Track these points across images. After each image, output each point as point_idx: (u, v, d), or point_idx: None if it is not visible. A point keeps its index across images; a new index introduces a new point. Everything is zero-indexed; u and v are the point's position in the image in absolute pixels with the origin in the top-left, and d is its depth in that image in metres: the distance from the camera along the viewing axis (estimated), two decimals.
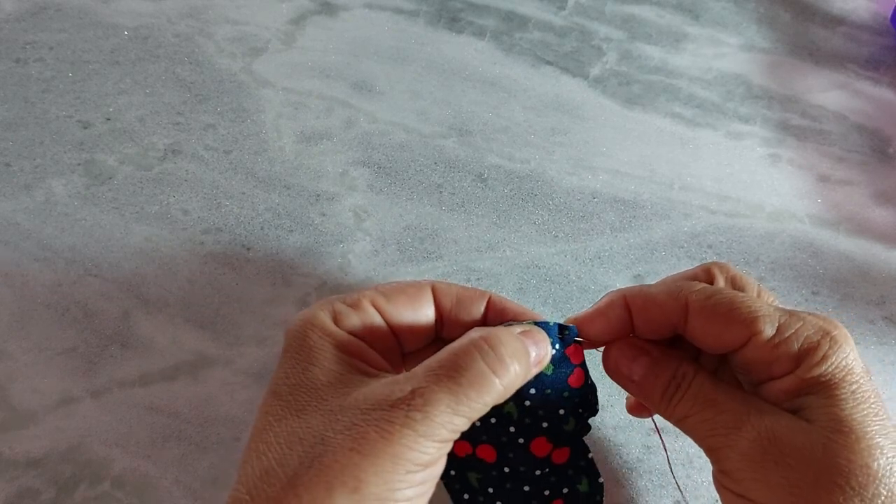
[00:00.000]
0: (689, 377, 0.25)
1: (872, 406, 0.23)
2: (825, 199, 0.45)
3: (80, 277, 0.38)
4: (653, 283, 0.28)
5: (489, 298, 0.27)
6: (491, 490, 0.27)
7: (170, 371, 0.36)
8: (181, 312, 0.37)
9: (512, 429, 0.26)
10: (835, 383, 0.23)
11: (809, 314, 0.25)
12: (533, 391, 0.26)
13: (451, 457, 0.27)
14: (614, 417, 0.36)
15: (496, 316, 0.27)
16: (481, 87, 0.48)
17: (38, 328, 0.36)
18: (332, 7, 0.51)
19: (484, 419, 0.26)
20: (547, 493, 0.28)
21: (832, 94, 0.50)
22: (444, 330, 0.27)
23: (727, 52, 0.52)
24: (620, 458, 0.35)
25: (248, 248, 0.40)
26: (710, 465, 0.35)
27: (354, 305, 0.25)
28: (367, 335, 0.25)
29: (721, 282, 0.27)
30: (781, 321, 0.24)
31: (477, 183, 0.44)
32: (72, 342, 0.36)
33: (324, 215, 0.41)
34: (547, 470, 0.27)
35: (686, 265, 0.41)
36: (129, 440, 0.34)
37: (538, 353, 0.25)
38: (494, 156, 0.45)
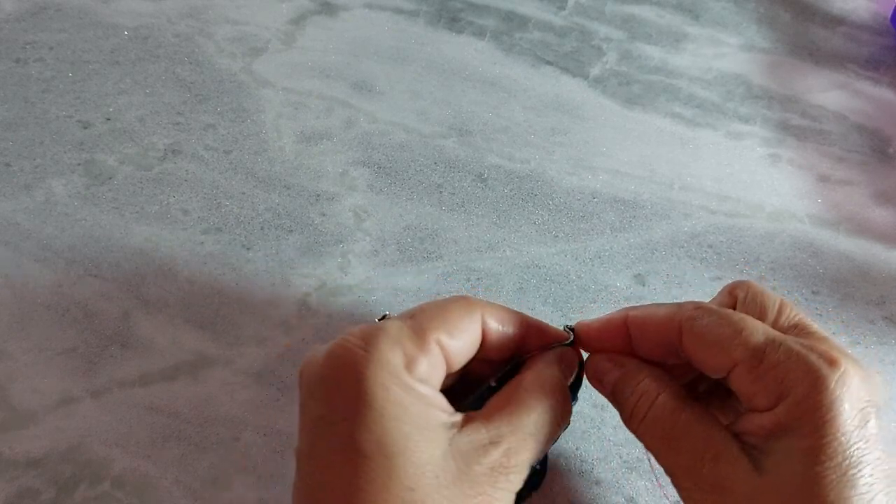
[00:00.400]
0: (651, 397, 0.24)
1: (848, 468, 0.20)
2: (825, 199, 0.45)
3: (80, 277, 0.38)
4: (655, 299, 0.28)
5: (528, 324, 0.28)
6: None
7: (170, 371, 0.36)
8: (181, 312, 0.37)
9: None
10: (809, 432, 0.20)
11: (816, 342, 0.22)
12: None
13: None
14: (614, 417, 0.36)
15: (531, 336, 0.27)
16: (481, 87, 0.48)
17: (38, 328, 0.36)
18: (332, 7, 0.51)
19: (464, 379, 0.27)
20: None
21: (832, 94, 0.50)
22: (481, 352, 0.26)
23: (727, 52, 0.52)
24: (620, 458, 0.35)
25: (248, 248, 0.40)
26: None
27: (423, 347, 0.23)
28: (432, 381, 0.23)
29: (736, 300, 0.26)
30: (768, 352, 0.22)
31: (477, 183, 0.44)
32: (72, 342, 0.36)
33: (324, 215, 0.41)
34: None
35: (686, 265, 0.41)
36: (129, 440, 0.34)
37: (570, 380, 0.26)
38: (494, 156, 0.45)
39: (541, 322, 0.28)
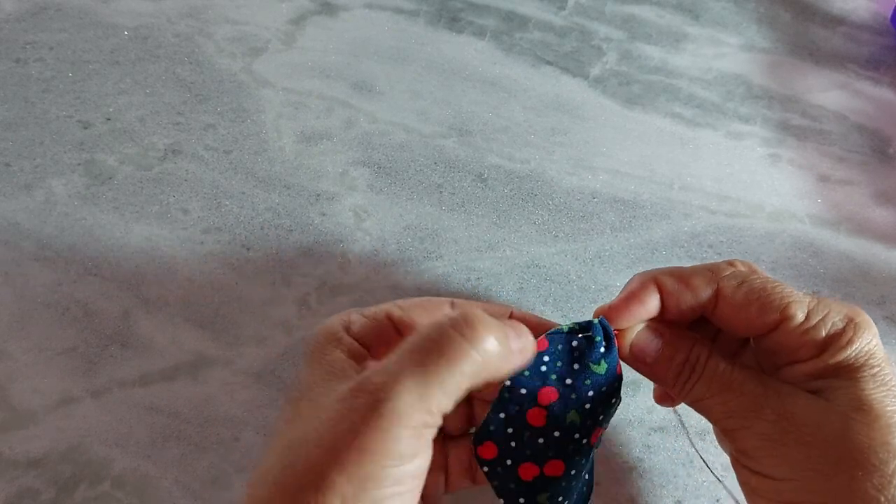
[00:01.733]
0: (703, 360, 0.26)
1: (892, 388, 0.23)
2: (825, 199, 0.45)
3: (80, 277, 0.38)
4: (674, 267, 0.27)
5: (511, 313, 0.28)
6: (560, 499, 0.27)
7: (170, 371, 0.36)
8: (181, 312, 0.37)
9: (577, 435, 0.26)
10: (857, 367, 0.24)
11: (834, 301, 0.25)
12: (591, 394, 0.26)
13: (518, 483, 0.26)
14: (614, 417, 0.36)
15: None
16: (481, 87, 0.48)
17: (38, 328, 0.36)
18: (332, 7, 0.51)
19: (548, 435, 0.26)
20: (590, 466, 0.28)
21: (832, 94, 0.50)
22: None
23: (727, 52, 0.52)
24: (620, 458, 0.35)
25: (248, 248, 0.40)
26: (710, 465, 0.35)
27: (368, 315, 0.26)
28: (378, 343, 0.26)
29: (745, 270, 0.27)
30: (811, 307, 0.24)
31: (477, 183, 0.44)
32: (72, 342, 0.36)
33: (324, 215, 0.41)
34: (596, 447, 0.28)
35: (686, 265, 0.41)
36: (129, 440, 0.34)
37: (520, 344, 0.24)
38: (494, 156, 0.45)
39: (528, 313, 0.28)
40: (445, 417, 0.26)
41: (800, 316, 0.24)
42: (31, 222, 0.40)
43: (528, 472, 0.27)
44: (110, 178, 0.42)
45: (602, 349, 0.26)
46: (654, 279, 0.26)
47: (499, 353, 0.22)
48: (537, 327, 0.27)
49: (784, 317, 0.24)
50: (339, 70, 0.48)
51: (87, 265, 0.38)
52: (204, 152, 0.43)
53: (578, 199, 0.44)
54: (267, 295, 0.38)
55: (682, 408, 0.36)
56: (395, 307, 0.26)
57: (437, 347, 0.21)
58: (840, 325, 0.24)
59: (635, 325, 0.27)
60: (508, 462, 0.26)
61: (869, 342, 0.24)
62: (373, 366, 0.23)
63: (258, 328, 0.37)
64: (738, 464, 0.25)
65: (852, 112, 0.49)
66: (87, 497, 0.32)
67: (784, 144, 0.47)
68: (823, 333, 0.24)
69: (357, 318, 0.26)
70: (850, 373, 0.24)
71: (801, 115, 0.49)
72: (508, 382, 0.26)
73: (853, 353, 0.24)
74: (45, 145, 0.43)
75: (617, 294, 0.27)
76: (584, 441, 0.27)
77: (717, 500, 0.34)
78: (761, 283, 0.25)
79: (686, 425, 0.35)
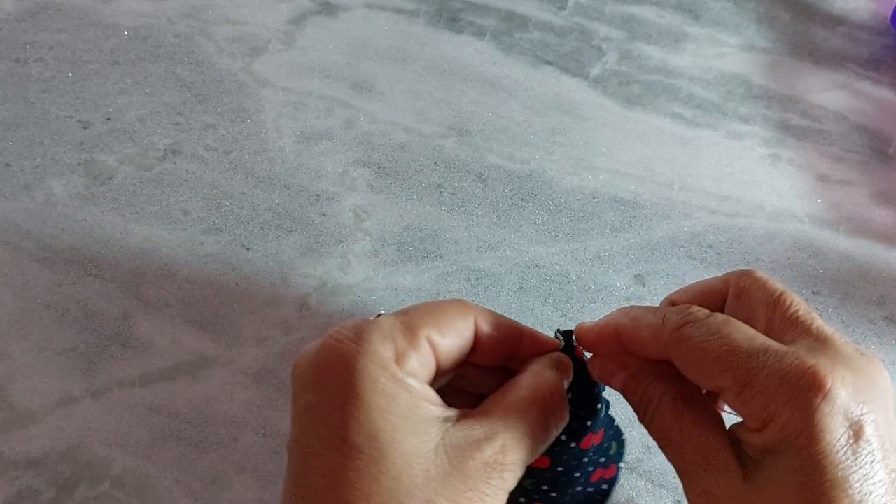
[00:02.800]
0: (654, 405, 0.25)
1: (833, 486, 0.20)
2: (825, 199, 0.45)
3: (80, 277, 0.38)
4: (658, 300, 0.27)
5: (521, 331, 0.27)
6: (545, 488, 0.28)
7: (170, 371, 0.36)
8: (181, 312, 0.37)
9: (563, 436, 0.27)
10: (795, 454, 0.20)
11: (807, 351, 0.22)
12: (570, 395, 0.26)
13: None
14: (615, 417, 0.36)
15: (525, 344, 0.27)
16: (481, 87, 0.48)
17: (38, 328, 0.36)
18: (332, 7, 0.51)
19: None
20: (591, 469, 0.29)
21: (832, 94, 0.50)
22: (473, 355, 0.26)
23: (727, 52, 0.52)
24: None
25: (248, 248, 0.40)
26: None
27: (413, 342, 0.23)
28: (422, 375, 0.24)
29: (730, 298, 0.26)
30: (752, 375, 0.21)
31: (477, 183, 0.44)
32: (72, 342, 0.36)
33: (324, 215, 0.41)
34: (592, 454, 0.28)
35: (686, 265, 0.41)
36: (129, 440, 0.34)
37: (567, 385, 0.25)
38: (494, 156, 0.45)
39: (535, 331, 0.28)
40: (447, 365, 0.25)
41: (732, 388, 0.22)
42: (31, 222, 0.40)
43: None
44: (110, 178, 0.42)
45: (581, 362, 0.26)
46: (615, 323, 0.26)
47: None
48: (544, 344, 0.27)
49: (717, 386, 0.22)
50: (339, 70, 0.48)
51: (87, 265, 0.38)
52: (204, 152, 0.43)
53: (578, 199, 0.44)
54: (267, 295, 0.38)
55: None
56: (434, 332, 0.23)
57: (541, 436, 0.23)
58: (779, 400, 0.21)
59: (595, 353, 0.27)
60: None
61: (821, 421, 0.20)
62: (468, 419, 0.22)
63: (258, 328, 0.37)
64: None
65: (852, 112, 0.49)
66: (87, 497, 0.32)
67: (784, 144, 0.47)
68: (759, 408, 0.21)
69: (404, 346, 0.22)
70: (792, 458, 0.21)
71: (801, 115, 0.49)
72: None
73: (788, 436, 0.21)
74: (45, 145, 0.43)
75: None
76: (573, 444, 0.27)
77: None
78: (705, 338, 0.22)
79: None
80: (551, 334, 0.27)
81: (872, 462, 0.20)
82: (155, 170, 0.42)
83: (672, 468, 0.25)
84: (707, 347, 0.22)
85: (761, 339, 0.22)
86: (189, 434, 0.34)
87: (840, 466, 0.20)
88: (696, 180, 0.45)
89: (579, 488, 0.29)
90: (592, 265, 0.41)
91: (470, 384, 0.27)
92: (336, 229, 0.41)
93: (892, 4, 0.54)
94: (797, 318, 0.23)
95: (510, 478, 0.21)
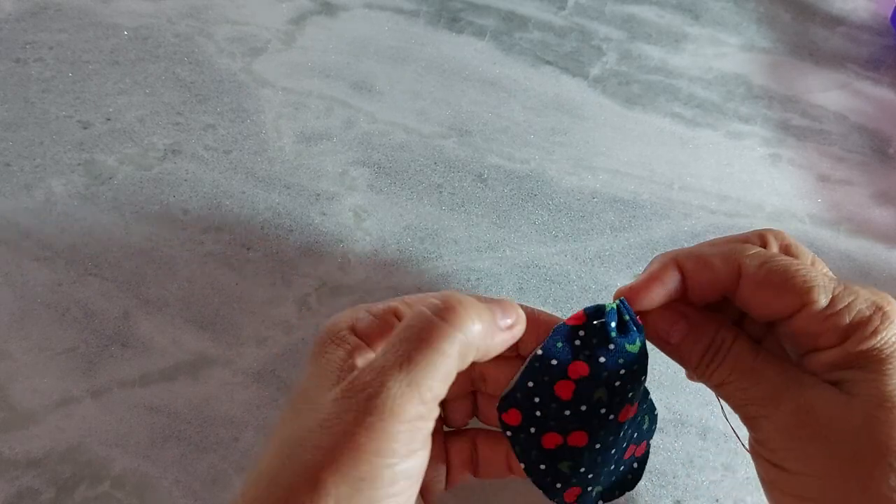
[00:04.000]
0: (728, 344, 0.25)
1: None
2: (825, 198, 0.45)
3: (80, 277, 0.38)
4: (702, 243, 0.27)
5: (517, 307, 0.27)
6: (583, 469, 0.27)
7: (170, 371, 0.36)
8: (181, 312, 0.37)
9: (603, 410, 0.26)
10: (881, 359, 0.22)
11: (863, 287, 0.24)
12: (623, 372, 0.26)
13: (540, 450, 0.27)
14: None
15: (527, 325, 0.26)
16: (481, 87, 0.48)
17: (38, 328, 0.36)
18: (332, 7, 0.51)
19: (574, 408, 0.26)
20: (625, 445, 0.28)
21: (832, 94, 0.50)
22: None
23: (727, 52, 0.52)
24: None
25: (248, 248, 0.40)
26: (709, 465, 0.35)
27: (375, 312, 0.25)
28: (384, 340, 0.24)
29: (774, 248, 0.26)
30: (836, 292, 0.23)
31: (477, 183, 0.44)
32: (72, 342, 0.36)
33: (324, 215, 0.41)
34: (626, 428, 0.28)
35: None
36: (129, 440, 0.34)
37: (509, 320, 0.24)
38: (494, 156, 0.45)
39: (529, 308, 0.27)
40: (446, 410, 0.25)
41: (822, 301, 0.23)
42: (31, 222, 0.40)
43: (551, 440, 0.27)
44: (110, 178, 0.42)
45: (633, 329, 0.25)
46: (675, 260, 0.25)
47: (484, 331, 0.23)
48: (546, 323, 0.27)
49: (805, 301, 0.23)
50: (339, 70, 0.48)
51: (87, 265, 0.38)
52: (204, 152, 0.43)
53: (578, 199, 0.44)
54: (267, 295, 0.38)
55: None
56: (402, 303, 0.25)
57: (419, 335, 0.21)
58: (866, 313, 0.23)
59: (657, 305, 0.26)
60: (532, 430, 0.26)
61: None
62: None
63: (258, 328, 0.37)
64: (755, 453, 0.25)
65: (852, 112, 0.49)
66: (87, 497, 0.32)
67: (784, 144, 0.47)
68: (847, 320, 0.23)
69: (364, 315, 0.25)
70: (875, 364, 0.22)
71: (801, 115, 0.49)
72: (540, 352, 0.25)
73: (878, 344, 0.22)
74: (45, 145, 0.43)
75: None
76: (612, 417, 0.26)
77: (717, 500, 0.34)
78: (783, 265, 0.24)
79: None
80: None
81: None
82: (155, 170, 0.42)
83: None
84: (790, 267, 0.24)
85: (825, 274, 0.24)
86: (189, 434, 0.34)
87: None
88: (696, 180, 0.45)
89: (612, 467, 0.28)
90: (592, 265, 0.41)
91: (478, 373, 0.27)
92: (336, 229, 0.41)
93: (892, 4, 0.54)
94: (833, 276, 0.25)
95: (378, 401, 0.20)
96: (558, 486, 0.28)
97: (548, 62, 0.50)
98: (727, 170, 0.46)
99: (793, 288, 0.23)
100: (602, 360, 0.25)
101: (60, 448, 0.33)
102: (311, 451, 0.20)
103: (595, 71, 0.50)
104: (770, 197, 0.45)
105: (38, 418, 0.34)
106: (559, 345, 0.25)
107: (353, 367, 0.23)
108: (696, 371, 0.26)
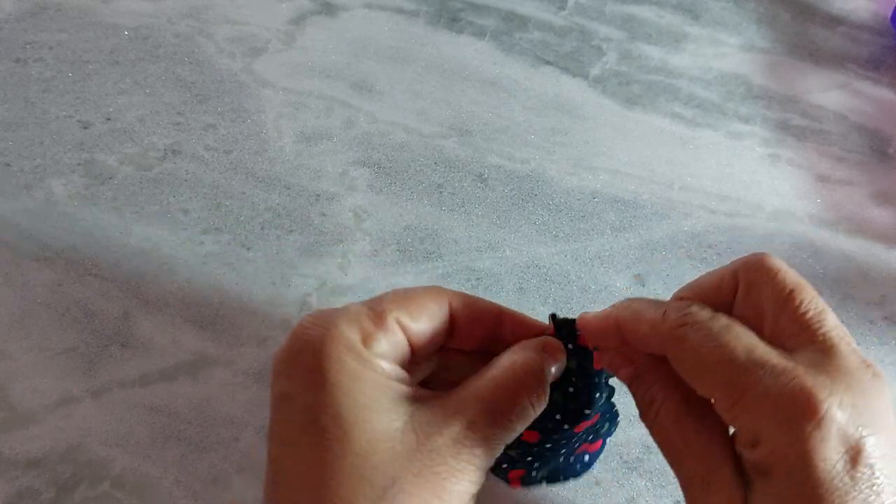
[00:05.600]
0: (657, 405, 0.24)
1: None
2: (825, 199, 0.45)
3: (80, 277, 0.38)
4: (665, 294, 0.26)
5: (501, 312, 0.27)
6: (529, 459, 0.28)
7: (170, 371, 0.36)
8: (181, 312, 0.37)
9: (558, 416, 0.26)
10: (785, 479, 0.19)
11: (806, 368, 0.20)
12: (574, 378, 0.26)
13: None
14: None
15: (509, 327, 0.27)
16: (481, 87, 0.48)
17: (38, 328, 0.36)
18: (332, 7, 0.51)
19: None
20: (577, 445, 0.29)
21: (832, 94, 0.50)
22: (453, 340, 0.26)
23: (727, 52, 0.52)
24: (620, 457, 0.35)
25: (248, 248, 0.40)
26: None
27: (380, 324, 0.23)
28: (391, 357, 0.24)
29: (740, 293, 0.24)
30: (746, 390, 0.20)
31: (477, 183, 0.44)
32: (72, 342, 0.36)
33: (324, 215, 0.41)
34: (583, 434, 0.29)
35: (686, 265, 0.41)
36: (129, 440, 0.34)
37: (557, 368, 0.25)
38: (494, 156, 0.45)
39: (517, 313, 0.27)
40: (422, 349, 0.25)
41: (728, 399, 0.21)
42: (31, 222, 0.40)
43: None
44: (110, 178, 0.42)
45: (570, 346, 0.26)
46: (616, 315, 0.25)
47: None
48: (531, 328, 0.27)
49: (709, 395, 0.21)
50: (339, 70, 0.48)
51: (87, 265, 0.38)
52: (204, 152, 0.43)
53: (578, 199, 0.44)
54: (267, 295, 0.38)
55: None
56: (403, 314, 0.24)
57: (515, 414, 0.22)
58: (774, 424, 0.20)
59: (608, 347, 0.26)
60: None
61: (812, 448, 0.19)
62: (428, 399, 0.22)
63: (258, 328, 0.37)
64: None
65: (852, 112, 0.49)
66: (87, 497, 0.32)
67: (784, 144, 0.47)
68: (752, 426, 0.20)
69: (371, 328, 0.23)
70: (782, 483, 0.19)
71: (800, 115, 0.49)
72: None
73: (768, 457, 0.20)
74: (45, 145, 0.43)
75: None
76: (566, 427, 0.27)
77: None
78: (701, 342, 0.21)
79: None
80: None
81: (872, 486, 0.19)
82: (155, 170, 0.42)
83: (668, 467, 0.24)
84: (703, 353, 0.21)
85: (761, 351, 0.21)
86: (189, 434, 0.34)
87: (837, 493, 0.19)
88: (696, 180, 0.45)
89: (561, 460, 0.29)
90: (592, 265, 0.41)
91: (457, 373, 0.27)
92: (336, 229, 0.41)
93: (892, 4, 0.54)
94: (806, 320, 0.22)
95: (482, 454, 0.21)
96: (504, 465, 0.29)
97: (548, 62, 0.50)
98: (727, 170, 0.46)
99: (700, 374, 0.21)
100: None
101: (60, 448, 0.33)
102: (424, 497, 0.20)
103: (595, 71, 0.50)
104: (770, 197, 0.45)
105: (38, 418, 0.34)
106: None
107: (399, 394, 0.22)
108: (643, 420, 0.25)
